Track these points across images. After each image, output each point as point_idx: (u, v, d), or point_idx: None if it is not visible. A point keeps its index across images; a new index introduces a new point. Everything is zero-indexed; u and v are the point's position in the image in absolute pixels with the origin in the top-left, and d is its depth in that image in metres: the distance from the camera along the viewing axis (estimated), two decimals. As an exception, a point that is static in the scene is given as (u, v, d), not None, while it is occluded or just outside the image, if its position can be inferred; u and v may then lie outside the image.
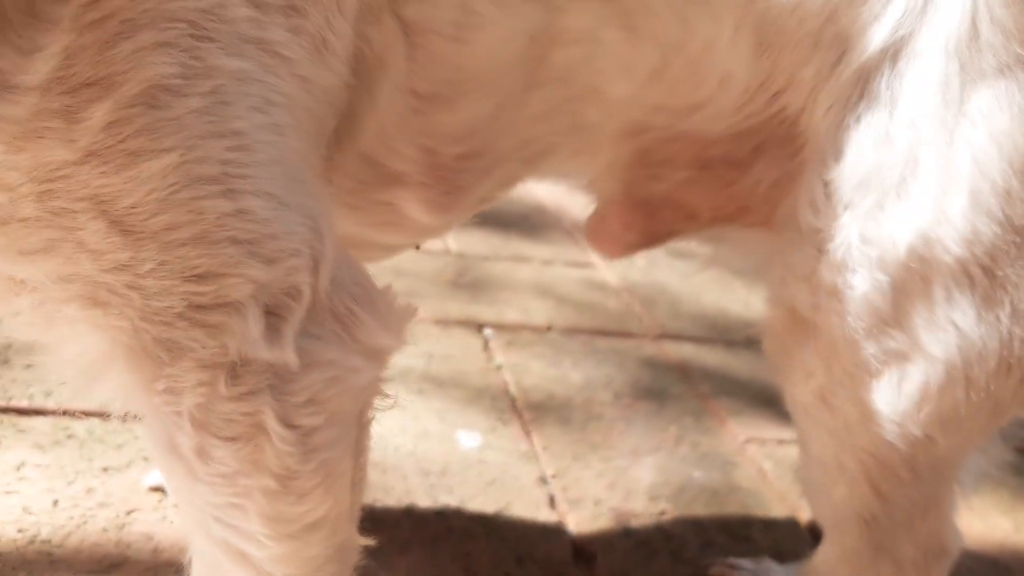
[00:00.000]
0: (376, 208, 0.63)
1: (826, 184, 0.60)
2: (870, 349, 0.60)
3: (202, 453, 0.46)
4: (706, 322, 1.77)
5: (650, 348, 1.62)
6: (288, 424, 0.46)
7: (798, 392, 0.67)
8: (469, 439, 1.19)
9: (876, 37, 0.58)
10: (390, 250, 0.74)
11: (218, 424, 0.45)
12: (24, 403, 1.04)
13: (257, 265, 0.44)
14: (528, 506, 1.08)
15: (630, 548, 1.05)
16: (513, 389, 1.35)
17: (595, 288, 1.80)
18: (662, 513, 1.13)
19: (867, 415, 0.62)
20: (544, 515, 1.07)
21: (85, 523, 0.90)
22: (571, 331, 1.60)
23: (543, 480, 1.14)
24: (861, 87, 0.59)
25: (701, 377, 1.55)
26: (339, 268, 0.48)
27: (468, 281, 1.69)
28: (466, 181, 0.62)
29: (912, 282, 0.58)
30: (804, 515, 1.19)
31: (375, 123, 0.56)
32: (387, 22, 0.52)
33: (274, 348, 0.45)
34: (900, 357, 0.60)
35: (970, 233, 0.56)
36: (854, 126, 0.59)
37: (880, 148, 0.58)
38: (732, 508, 1.18)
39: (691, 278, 1.90)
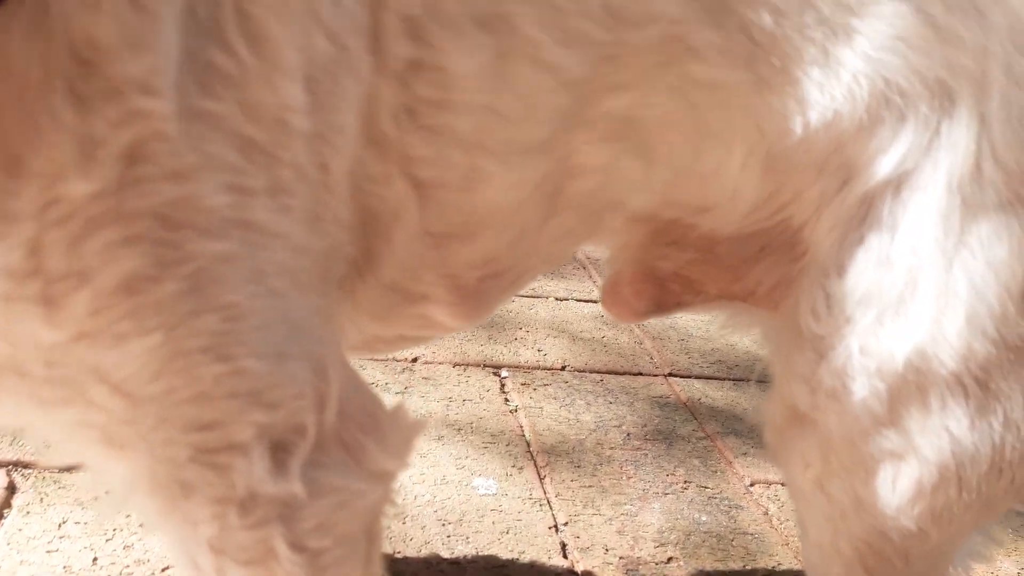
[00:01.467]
0: (406, 319, 0.67)
1: (828, 296, 0.64)
2: (866, 447, 0.64)
3: (221, 572, 0.50)
4: (715, 357, 1.82)
5: (660, 386, 1.67)
6: (298, 548, 0.49)
7: (797, 479, 0.71)
8: (485, 486, 1.25)
9: (882, 169, 0.61)
10: (419, 341, 0.79)
11: (233, 550, 0.49)
12: (65, 459, 1.11)
13: (260, 411, 0.47)
14: (541, 553, 1.14)
15: (638, 596, 1.11)
16: (528, 433, 1.40)
17: (608, 324, 1.85)
18: (669, 560, 1.18)
19: (862, 506, 0.65)
20: (556, 562, 1.13)
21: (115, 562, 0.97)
22: (584, 370, 1.66)
23: (555, 528, 1.20)
24: (864, 210, 0.63)
25: (709, 416, 1.60)
26: (347, 399, 0.51)
27: (486, 319, 1.75)
28: (492, 295, 0.67)
29: (908, 391, 0.62)
30: (806, 560, 1.24)
31: (395, 261, 0.59)
32: (397, 183, 0.55)
33: (281, 482, 0.48)
34: (895, 456, 0.63)
35: (965, 350, 0.60)
36: (857, 246, 0.63)
37: (881, 269, 0.62)
38: (737, 553, 1.23)
39: (701, 314, 1.95)
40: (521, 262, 0.68)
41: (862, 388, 0.63)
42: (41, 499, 1.05)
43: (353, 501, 0.51)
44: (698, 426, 1.55)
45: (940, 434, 0.62)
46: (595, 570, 1.13)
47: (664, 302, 0.83)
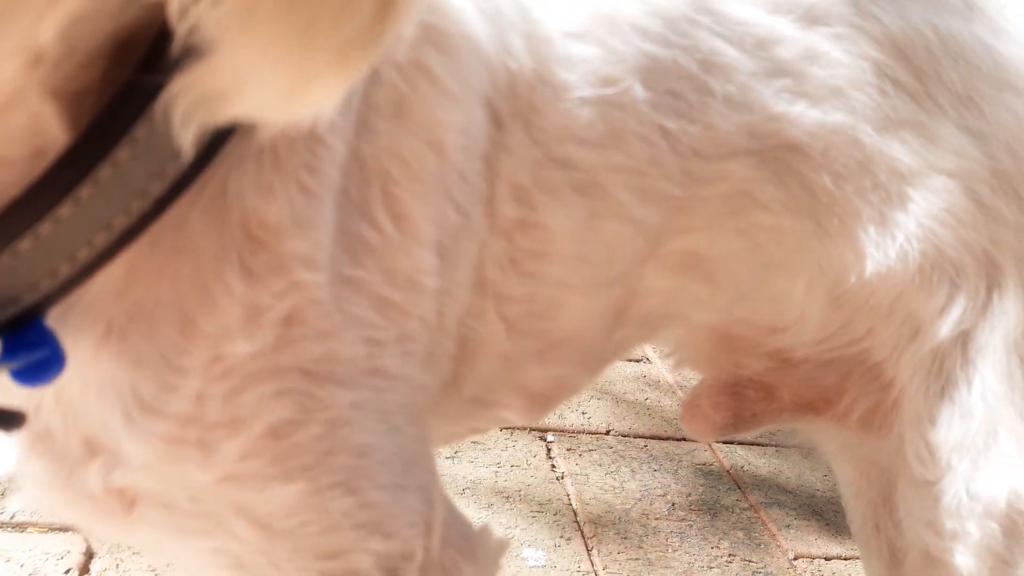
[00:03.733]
0: (479, 420, 0.73)
1: (928, 443, 0.69)
2: None
3: None
4: (758, 423, 1.84)
5: (704, 453, 1.70)
6: None
7: None
8: (535, 557, 1.29)
9: (943, 328, 0.66)
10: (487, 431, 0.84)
11: None
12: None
13: (378, 540, 0.52)
14: (590, 630, 1.17)
15: (685, 676, 1.13)
16: (575, 502, 1.44)
17: (651, 386, 1.89)
18: (715, 638, 1.21)
19: None
20: (605, 639, 1.16)
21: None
22: (628, 435, 1.69)
23: (604, 602, 1.23)
24: (939, 364, 0.68)
25: (752, 485, 1.62)
26: (448, 527, 0.56)
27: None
28: (558, 399, 0.73)
29: (1020, 529, 0.67)
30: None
31: (476, 379, 0.64)
32: (490, 317, 0.60)
33: None
34: None
35: None
36: (939, 398, 0.68)
37: (965, 420, 0.67)
38: (782, 632, 1.25)
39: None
40: (586, 376, 0.74)
41: (977, 529, 0.68)
42: (117, 565, 1.11)
43: None
44: (742, 496, 1.58)
45: None
46: (643, 647, 1.16)
47: (742, 414, 0.87)
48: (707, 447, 1.72)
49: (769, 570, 1.38)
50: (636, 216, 0.61)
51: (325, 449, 0.49)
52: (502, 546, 0.63)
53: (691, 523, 1.46)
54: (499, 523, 1.34)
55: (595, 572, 1.29)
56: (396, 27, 0.28)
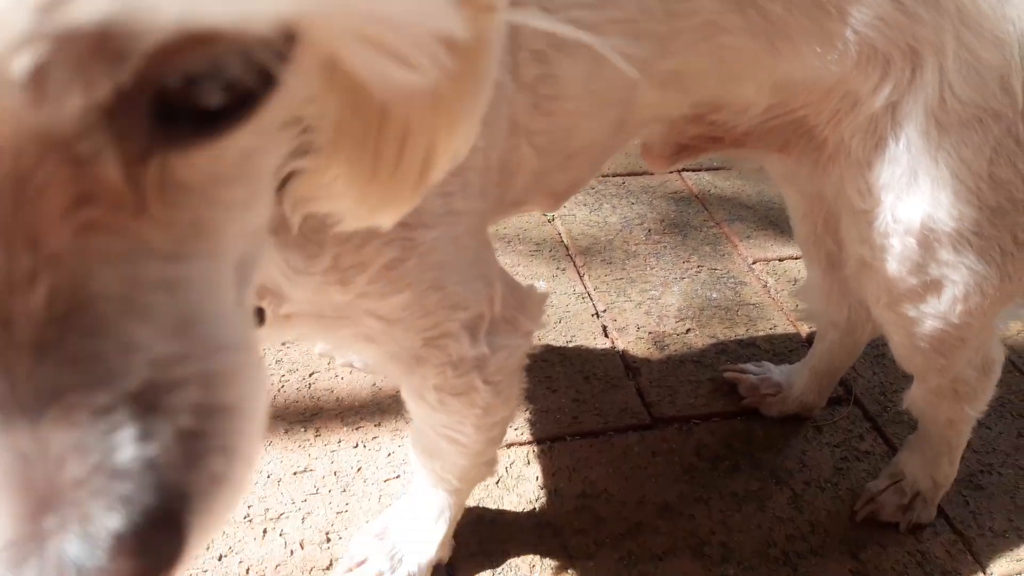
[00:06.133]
0: (513, 215, 0.93)
1: (865, 183, 0.90)
2: (913, 280, 0.92)
3: (442, 402, 0.81)
4: (722, 149, 2.04)
5: (675, 183, 1.91)
6: (488, 382, 0.80)
7: (875, 308, 1.00)
8: (537, 287, 1.54)
9: (877, 101, 0.85)
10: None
11: (449, 388, 0.79)
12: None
13: (460, 312, 0.74)
14: (587, 337, 1.45)
15: (664, 361, 1.43)
16: (565, 238, 1.68)
17: (624, 127, 2.06)
18: (688, 331, 1.50)
19: (923, 318, 0.94)
20: (600, 342, 1.45)
21: (283, 386, 1.29)
22: (608, 175, 1.89)
23: (596, 315, 1.50)
24: (874, 126, 0.86)
25: (717, 206, 1.85)
26: (506, 292, 0.78)
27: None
28: (573, 193, 0.95)
29: (929, 242, 0.88)
30: (799, 326, 1.55)
31: (515, 191, 0.84)
32: (523, 148, 0.78)
33: (475, 348, 0.77)
34: (935, 283, 0.91)
35: (957, 214, 0.86)
36: (875, 150, 0.87)
37: (892, 165, 0.87)
38: (742, 320, 1.54)
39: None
40: (592, 173, 0.95)
41: (899, 243, 0.90)
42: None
43: (515, 352, 0.81)
44: (708, 216, 1.82)
45: (959, 267, 0.89)
46: (630, 345, 1.45)
47: (690, 153, 1.07)
48: (678, 177, 1.93)
49: (732, 274, 1.65)
50: (630, 54, 0.78)
51: (420, 269, 0.69)
52: (543, 296, 0.86)
53: (665, 244, 1.71)
54: (505, 264, 1.58)
55: (588, 293, 1.55)
56: (430, 184, 0.41)
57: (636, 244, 1.70)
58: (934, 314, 0.94)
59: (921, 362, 1.01)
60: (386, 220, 0.42)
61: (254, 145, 0.33)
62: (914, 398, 1.11)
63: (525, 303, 0.82)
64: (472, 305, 0.76)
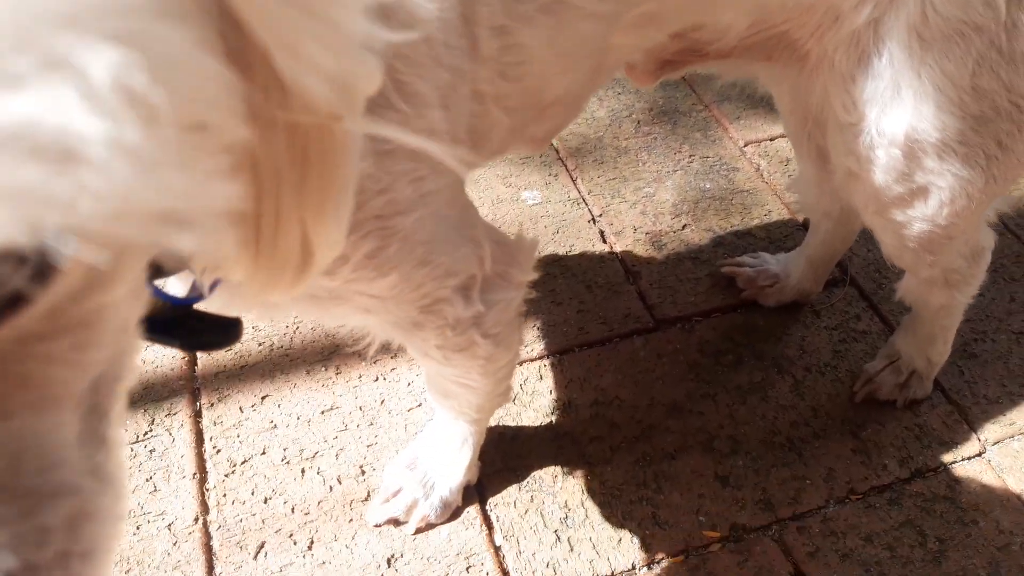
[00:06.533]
0: (495, 161, 0.93)
1: (850, 96, 0.90)
2: (900, 188, 0.94)
3: (446, 358, 0.84)
4: (706, 23, 1.98)
5: (660, 66, 1.87)
6: (487, 336, 0.82)
7: (865, 215, 1.02)
8: (532, 197, 1.55)
9: (859, 17, 0.84)
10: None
11: (451, 345, 0.82)
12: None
13: (451, 279, 0.76)
14: (586, 244, 1.48)
15: (663, 261, 1.46)
16: (555, 141, 1.67)
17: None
18: (684, 227, 1.52)
19: (910, 221, 0.97)
20: (598, 248, 1.47)
21: (297, 328, 1.33)
22: (591, 66, 1.85)
23: (593, 220, 1.52)
24: (856, 41, 0.86)
25: (704, 86, 1.82)
26: (494, 250, 0.80)
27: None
28: (559, 131, 0.94)
29: (914, 152, 0.90)
30: (793, 210, 1.56)
31: (492, 148, 0.84)
32: (493, 112, 0.77)
33: (471, 308, 0.79)
34: (922, 189, 0.93)
35: (941, 124, 0.87)
36: (858, 64, 0.87)
37: (876, 80, 0.86)
38: (736, 210, 1.56)
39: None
40: (573, 115, 0.94)
41: (885, 154, 0.91)
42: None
43: (509, 304, 0.84)
44: (697, 99, 1.79)
45: (944, 173, 0.91)
46: (629, 247, 1.48)
47: (674, 65, 1.06)
48: (663, 59, 1.89)
49: (724, 160, 1.65)
50: (596, 11, 0.77)
51: (403, 252, 0.71)
52: (533, 244, 0.88)
53: (655, 136, 1.70)
54: (496, 175, 1.58)
55: (582, 197, 1.56)
56: (313, 273, 0.42)
57: (626, 138, 1.69)
58: (922, 218, 0.96)
59: (911, 259, 1.05)
60: (279, 298, 0.43)
61: (67, 298, 0.32)
62: (907, 288, 1.15)
63: (515, 255, 0.84)
64: (462, 270, 0.78)
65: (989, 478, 1.20)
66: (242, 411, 1.23)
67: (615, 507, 1.15)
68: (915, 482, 1.19)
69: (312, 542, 1.10)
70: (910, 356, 1.25)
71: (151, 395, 1.24)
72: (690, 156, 1.66)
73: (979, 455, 1.22)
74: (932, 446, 1.23)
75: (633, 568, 1.09)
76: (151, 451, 1.18)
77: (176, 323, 0.61)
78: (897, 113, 0.88)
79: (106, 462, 0.38)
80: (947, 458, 1.22)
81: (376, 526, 1.11)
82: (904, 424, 1.25)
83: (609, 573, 1.08)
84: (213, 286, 0.54)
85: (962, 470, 1.20)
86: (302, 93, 0.33)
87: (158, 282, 0.65)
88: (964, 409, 1.27)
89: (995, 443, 1.23)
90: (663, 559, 1.10)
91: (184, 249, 0.29)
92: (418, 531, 1.11)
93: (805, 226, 1.47)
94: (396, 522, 1.12)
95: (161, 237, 0.28)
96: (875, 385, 1.26)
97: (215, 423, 1.22)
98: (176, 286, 0.65)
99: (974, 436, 1.24)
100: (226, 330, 0.62)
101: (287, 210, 0.39)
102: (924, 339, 1.23)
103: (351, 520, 1.12)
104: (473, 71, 0.73)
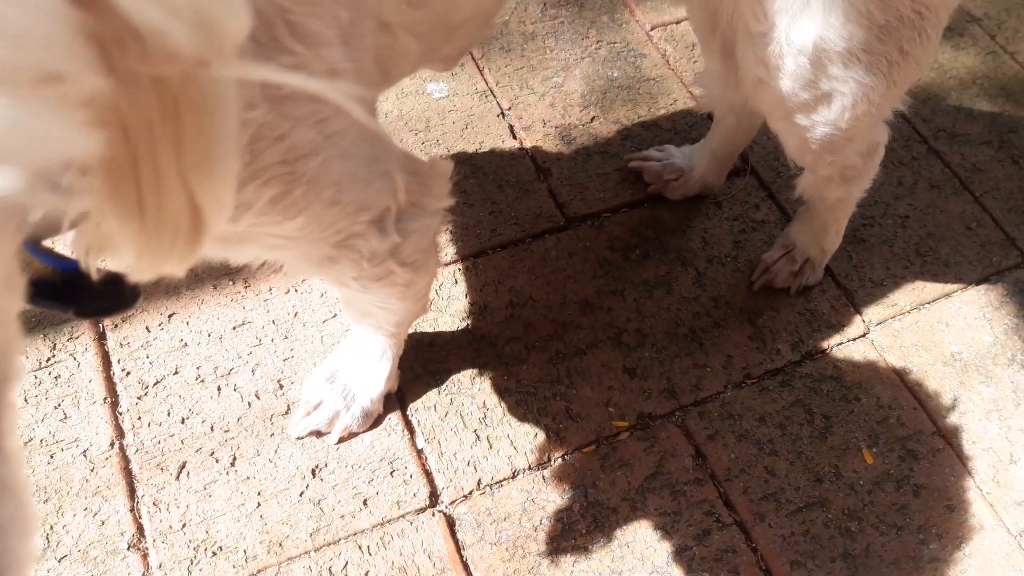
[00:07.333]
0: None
1: (762, 7, 0.90)
2: (805, 95, 0.96)
3: (364, 288, 0.83)
4: None
5: (565, -59, 1.80)
6: (404, 264, 0.81)
7: (771, 120, 1.05)
8: (438, 90, 1.51)
9: None
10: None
11: (369, 276, 0.81)
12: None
13: (364, 214, 0.73)
14: (495, 140, 1.46)
15: (572, 156, 1.46)
16: (459, 28, 1.60)
17: None
18: (592, 119, 1.51)
19: (815, 124, 0.99)
20: (508, 144, 1.46)
21: (202, 237, 1.29)
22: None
23: (502, 114, 1.50)
24: None
25: (612, -36, 1.77)
26: (408, 180, 0.77)
27: None
28: (470, 48, 0.90)
29: (821, 61, 0.91)
30: (700, 103, 1.57)
31: (402, 72, 0.81)
32: (401, 39, 0.72)
33: (386, 239, 0.77)
34: (826, 96, 0.95)
35: (847, 34, 0.88)
36: None
37: None
38: (644, 99, 1.56)
39: None
40: (486, 31, 0.91)
41: (793, 63, 0.92)
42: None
43: (426, 231, 0.82)
44: (603, -22, 1.74)
45: (849, 81, 0.93)
46: (539, 142, 1.47)
47: None
48: (568, -67, 1.81)
49: (631, 47, 1.63)
50: None
51: (311, 194, 0.68)
52: (447, 166, 0.86)
53: (562, 20, 1.65)
54: (400, 67, 1.52)
55: (490, 89, 1.53)
56: (203, 242, 0.39)
57: (533, 23, 1.64)
58: (824, 122, 0.99)
59: (812, 159, 1.08)
60: (174, 270, 0.42)
61: None
62: (806, 185, 1.20)
63: (429, 184, 0.83)
64: (375, 204, 0.76)
65: (872, 357, 1.30)
66: (149, 331, 1.21)
67: (531, 404, 1.20)
68: (805, 364, 1.28)
69: (235, 458, 1.12)
70: (804, 245, 1.31)
71: (49, 319, 1.20)
72: (597, 42, 1.63)
73: (863, 336, 1.32)
74: (821, 329, 1.32)
75: (549, 461, 1.16)
76: (56, 377, 1.16)
77: (68, 287, 0.59)
78: (806, 23, 0.89)
79: (3, 472, 0.36)
80: (834, 340, 1.31)
81: (299, 439, 1.14)
82: (797, 310, 1.33)
83: (526, 466, 1.15)
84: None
85: (847, 351, 1.30)
86: (159, 39, 0.31)
87: (46, 242, 0.61)
88: (851, 293, 1.36)
89: (878, 324, 1.33)
90: (576, 450, 1.17)
91: (54, 213, 0.28)
92: (341, 441, 1.14)
93: (710, 116, 1.49)
94: (318, 434, 1.14)
95: (24, 199, 0.26)
96: (771, 274, 1.33)
97: (121, 345, 1.19)
98: (67, 248, 0.62)
99: (859, 318, 1.34)
100: (124, 293, 0.60)
101: (167, 170, 0.36)
102: (818, 229, 1.29)
103: (272, 434, 1.14)
104: (377, 3, 0.69)
